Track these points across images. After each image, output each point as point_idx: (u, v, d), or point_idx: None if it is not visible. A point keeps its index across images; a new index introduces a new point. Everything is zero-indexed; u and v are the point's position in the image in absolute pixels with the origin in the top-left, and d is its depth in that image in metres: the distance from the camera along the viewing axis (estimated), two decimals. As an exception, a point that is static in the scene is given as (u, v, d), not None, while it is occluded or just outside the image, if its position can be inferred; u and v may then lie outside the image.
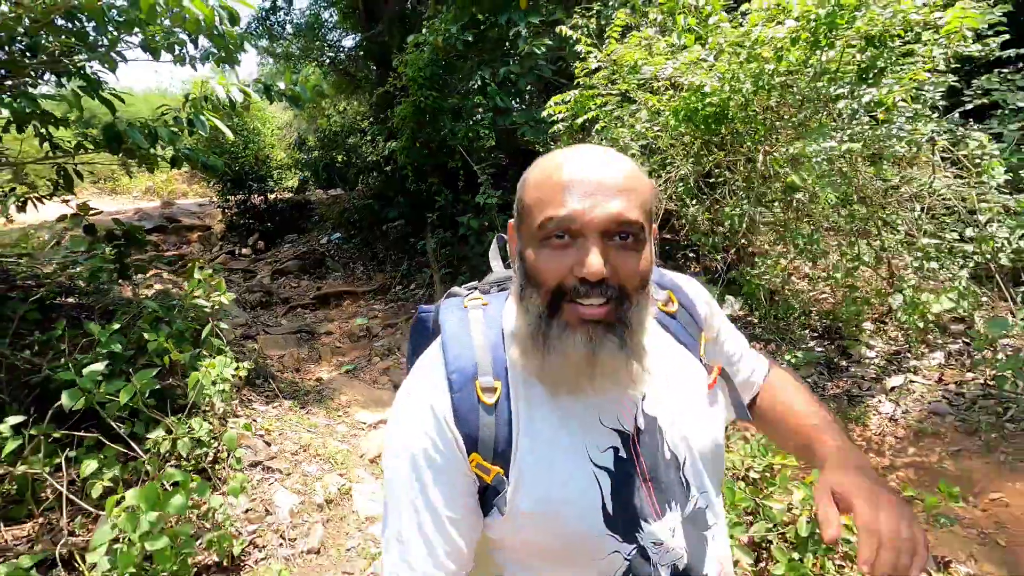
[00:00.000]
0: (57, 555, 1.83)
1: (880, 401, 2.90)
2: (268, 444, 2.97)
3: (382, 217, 7.16)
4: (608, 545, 0.67)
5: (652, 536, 0.68)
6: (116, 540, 1.75)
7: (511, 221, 0.71)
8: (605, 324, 0.63)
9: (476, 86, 4.95)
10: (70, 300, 3.56)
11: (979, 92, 2.79)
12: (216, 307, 3.09)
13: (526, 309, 0.65)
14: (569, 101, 3.14)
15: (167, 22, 2.84)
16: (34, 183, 3.89)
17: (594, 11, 3.97)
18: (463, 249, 5.60)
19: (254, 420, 3.21)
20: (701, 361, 0.79)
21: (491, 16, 4.92)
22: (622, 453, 0.69)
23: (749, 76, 2.66)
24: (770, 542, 1.68)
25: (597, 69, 3.17)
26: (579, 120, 3.24)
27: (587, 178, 0.61)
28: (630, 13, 3.52)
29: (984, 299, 2.94)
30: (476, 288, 0.80)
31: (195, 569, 2.01)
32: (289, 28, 8.98)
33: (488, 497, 0.67)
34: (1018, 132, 2.76)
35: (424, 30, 4.88)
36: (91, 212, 3.78)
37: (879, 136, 2.57)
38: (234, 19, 3.02)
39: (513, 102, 5.06)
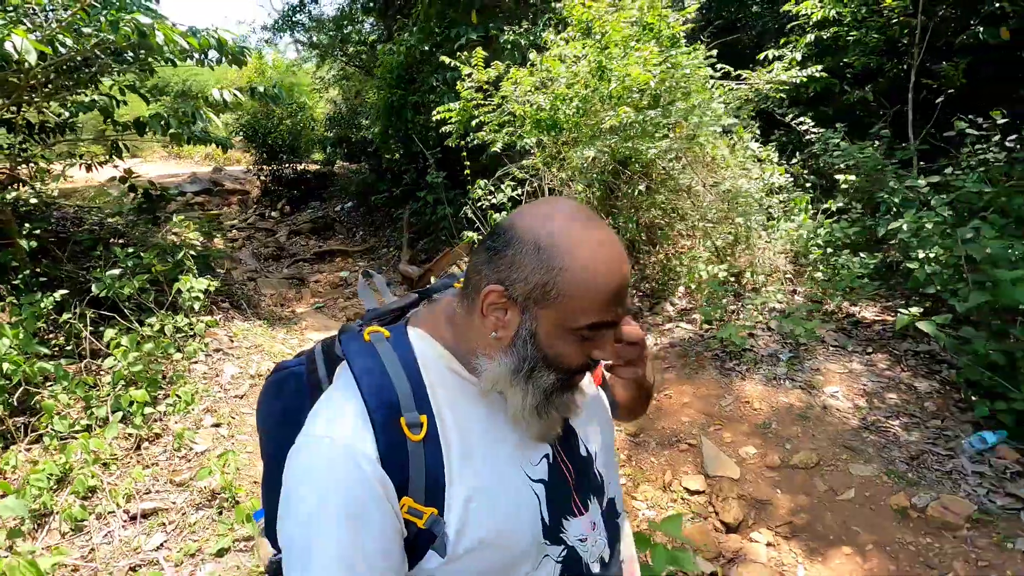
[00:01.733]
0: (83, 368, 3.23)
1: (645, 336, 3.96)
2: (231, 340, 4.34)
3: (375, 189, 8.47)
4: (542, 552, 0.68)
5: (576, 533, 0.71)
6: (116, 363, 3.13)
7: (496, 287, 0.64)
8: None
9: (432, 86, 6.13)
10: (119, 238, 5.05)
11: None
12: (200, 246, 4.45)
13: (533, 384, 0.65)
14: (454, 110, 4.29)
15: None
16: (94, 152, 5.39)
17: (522, 29, 5.06)
18: (423, 219, 6.85)
19: (228, 327, 4.60)
20: None
21: (446, 30, 6.06)
22: (551, 459, 0.71)
23: (561, 99, 3.74)
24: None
25: (479, 88, 4.30)
26: (472, 123, 4.39)
27: (625, 285, 0.65)
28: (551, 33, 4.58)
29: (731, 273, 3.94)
30: (362, 323, 0.75)
31: (161, 394, 3.38)
32: (308, 21, 10.30)
33: (420, 542, 0.62)
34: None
35: (391, 43, 6.08)
36: (134, 175, 5.26)
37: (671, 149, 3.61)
38: (223, 44, 4.31)
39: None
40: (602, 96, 3.57)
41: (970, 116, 3.90)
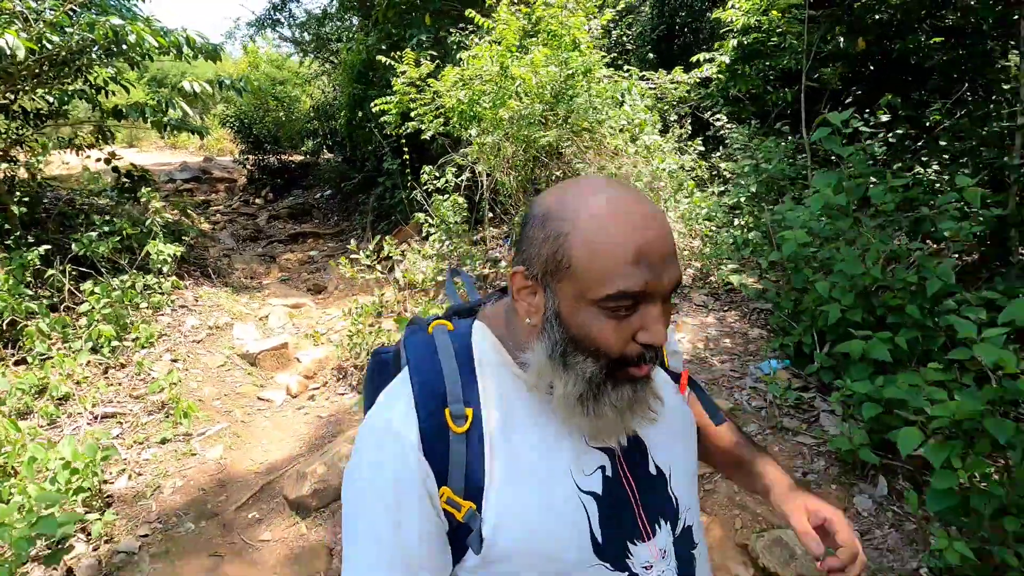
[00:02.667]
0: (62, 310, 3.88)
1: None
2: (196, 300, 5.00)
3: (347, 177, 9.12)
4: (598, 574, 0.64)
5: (642, 559, 0.66)
6: (92, 308, 3.78)
7: (518, 268, 0.63)
8: (646, 375, 0.63)
9: (388, 82, 6.78)
10: (103, 214, 5.70)
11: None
12: (171, 218, 5.10)
13: (571, 372, 0.61)
14: (391, 102, 4.94)
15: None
16: (84, 139, 6.03)
17: (468, 31, 5.70)
18: (384, 203, 7.51)
19: (196, 291, 5.24)
20: (666, 368, 0.80)
21: (402, 30, 6.70)
22: (609, 472, 0.66)
23: (477, 94, 4.39)
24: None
25: (412, 84, 4.94)
26: (411, 116, 5.03)
27: (656, 247, 0.58)
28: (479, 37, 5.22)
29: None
30: (439, 317, 0.74)
31: (130, 337, 4.02)
32: (289, 19, 10.92)
33: (459, 537, 0.63)
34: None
35: (352, 42, 6.71)
36: (118, 158, 5.90)
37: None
38: (191, 42, 4.94)
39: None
40: (508, 92, 4.22)
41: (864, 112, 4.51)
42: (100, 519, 2.30)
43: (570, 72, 4.09)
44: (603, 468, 0.66)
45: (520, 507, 0.62)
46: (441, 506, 0.62)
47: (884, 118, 4.37)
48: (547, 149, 4.56)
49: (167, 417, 3.17)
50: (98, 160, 5.87)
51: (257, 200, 11.99)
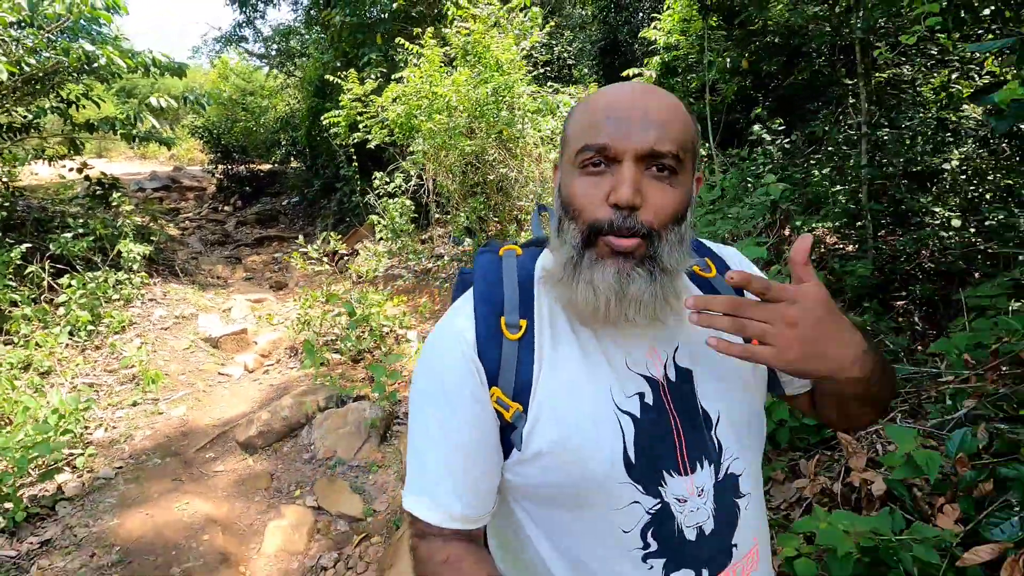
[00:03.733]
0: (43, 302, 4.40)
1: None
2: (164, 295, 5.52)
3: (310, 184, 9.67)
4: (627, 494, 0.65)
5: (676, 492, 0.67)
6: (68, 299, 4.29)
7: (555, 159, 0.69)
8: (636, 258, 0.63)
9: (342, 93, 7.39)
10: (77, 218, 6.17)
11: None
12: (139, 220, 5.63)
13: (563, 241, 0.65)
14: (340, 115, 5.56)
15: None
16: (55, 149, 6.50)
17: (414, 50, 6.34)
18: (343, 207, 8.09)
19: (164, 288, 5.76)
20: None
21: (355, 49, 7.32)
22: (648, 399, 0.68)
23: (417, 105, 5.03)
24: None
25: (359, 99, 5.57)
26: (360, 128, 5.65)
27: (625, 105, 0.61)
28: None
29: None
30: (515, 243, 0.79)
31: (103, 324, 4.53)
32: (254, 36, 11.46)
33: (507, 434, 0.67)
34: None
35: (309, 58, 7.30)
36: (89, 167, 6.39)
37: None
38: (156, 62, 5.49)
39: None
40: (435, 108, 4.87)
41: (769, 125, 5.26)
42: (83, 454, 2.85)
43: (492, 89, 4.75)
44: (642, 395, 0.68)
45: (558, 412, 0.65)
46: (492, 405, 0.67)
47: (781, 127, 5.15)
48: (475, 156, 5.22)
49: (137, 386, 3.72)
50: (70, 169, 6.35)
51: (226, 207, 12.43)
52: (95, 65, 4.78)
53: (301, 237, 6.29)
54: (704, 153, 4.99)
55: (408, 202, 5.97)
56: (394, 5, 6.97)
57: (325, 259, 5.15)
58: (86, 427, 3.14)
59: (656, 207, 0.62)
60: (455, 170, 5.56)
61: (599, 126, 0.62)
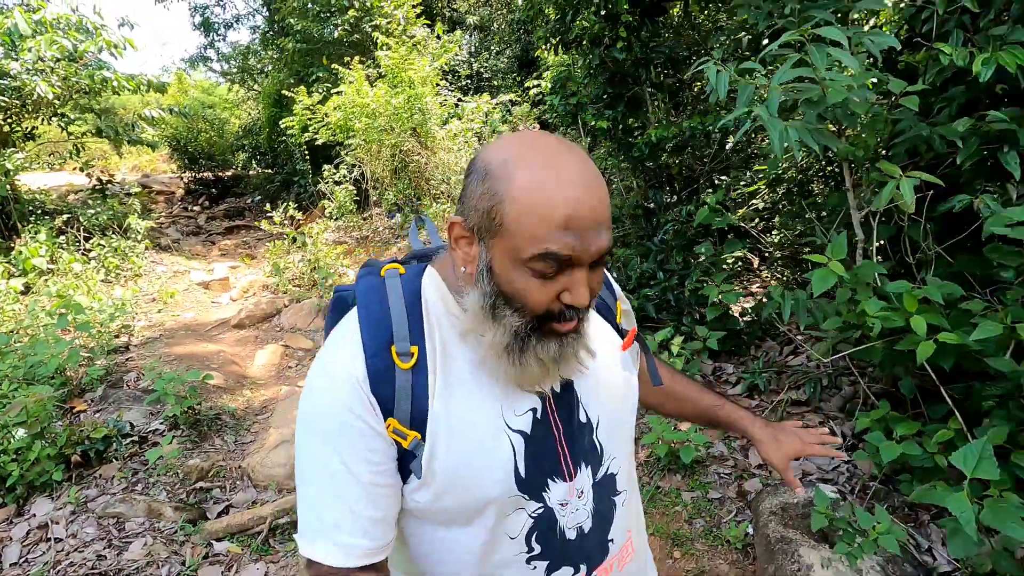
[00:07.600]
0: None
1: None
2: (161, 260, 7.19)
3: (271, 180, 11.37)
4: (514, 504, 0.70)
5: (559, 496, 0.72)
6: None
7: (456, 218, 0.66)
8: (574, 331, 0.67)
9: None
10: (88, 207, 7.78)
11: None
12: (127, 207, 7.34)
13: (499, 323, 0.65)
14: (293, 121, 7.37)
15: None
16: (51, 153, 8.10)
17: (367, 64, 8.19)
18: (300, 196, 9.87)
19: (159, 258, 7.41)
20: (617, 328, 0.84)
21: (305, 68, 9.13)
22: (539, 414, 0.71)
23: (352, 111, 6.91)
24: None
25: (308, 108, 7.40)
26: (308, 130, 7.47)
27: (585, 215, 0.60)
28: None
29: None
30: (395, 260, 0.78)
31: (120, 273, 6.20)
32: (216, 56, 13.10)
33: (406, 462, 0.68)
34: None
35: (266, 74, 9.07)
36: (91, 167, 8.01)
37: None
38: (150, 83, 7.17)
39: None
40: (362, 113, 6.75)
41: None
42: (138, 325, 4.62)
43: (405, 98, 6.66)
44: (534, 410, 0.71)
45: (454, 437, 0.67)
46: (389, 436, 0.66)
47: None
48: (398, 148, 7.12)
49: (155, 303, 5.46)
50: (73, 169, 7.96)
51: (195, 207, 13.92)
52: (105, 84, 6.48)
53: (268, 204, 8.06)
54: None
55: (351, 188, 7.82)
56: (336, 33, 8.83)
57: (287, 222, 6.93)
58: (134, 316, 4.89)
59: (594, 293, 0.65)
60: (384, 160, 7.45)
61: (560, 240, 0.59)
